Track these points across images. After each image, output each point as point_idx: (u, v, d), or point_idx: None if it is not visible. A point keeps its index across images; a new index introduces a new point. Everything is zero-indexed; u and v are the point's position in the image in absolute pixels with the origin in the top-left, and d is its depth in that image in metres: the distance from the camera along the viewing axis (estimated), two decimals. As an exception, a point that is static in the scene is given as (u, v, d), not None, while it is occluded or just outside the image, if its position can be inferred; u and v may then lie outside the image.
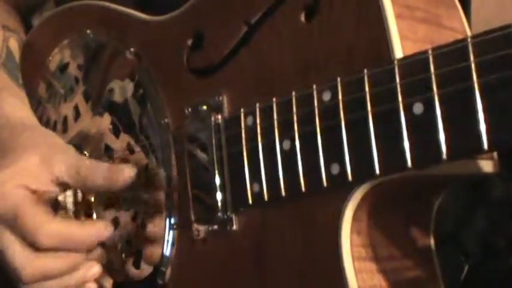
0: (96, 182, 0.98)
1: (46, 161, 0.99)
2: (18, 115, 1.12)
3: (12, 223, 0.96)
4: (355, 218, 0.81)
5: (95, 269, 0.99)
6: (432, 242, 0.88)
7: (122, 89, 1.08)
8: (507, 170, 0.85)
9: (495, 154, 0.81)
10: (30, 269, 0.96)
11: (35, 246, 0.95)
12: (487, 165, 0.81)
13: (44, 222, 0.95)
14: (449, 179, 0.83)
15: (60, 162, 0.99)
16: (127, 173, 0.98)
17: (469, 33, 0.85)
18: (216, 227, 0.94)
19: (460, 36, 0.83)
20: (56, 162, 0.99)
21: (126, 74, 1.08)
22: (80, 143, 1.13)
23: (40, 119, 1.18)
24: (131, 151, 1.06)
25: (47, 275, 0.97)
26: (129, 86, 1.07)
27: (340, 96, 0.80)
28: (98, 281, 1.02)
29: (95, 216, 1.10)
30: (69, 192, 1.09)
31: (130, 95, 1.07)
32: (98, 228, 0.97)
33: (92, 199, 1.10)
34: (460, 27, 0.85)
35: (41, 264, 0.96)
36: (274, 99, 0.86)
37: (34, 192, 0.99)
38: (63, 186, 1.01)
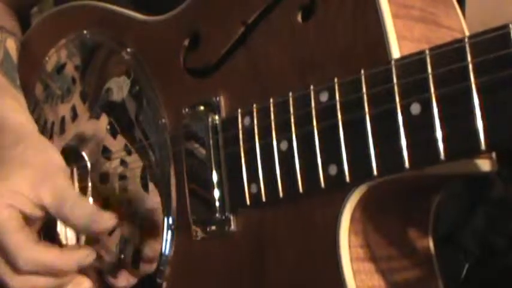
0: (77, 222, 0.98)
1: (35, 185, 0.99)
2: (15, 118, 1.11)
3: None
4: (353, 218, 0.81)
5: (84, 285, 1.00)
6: (431, 241, 0.88)
7: (119, 88, 1.08)
8: (505, 168, 0.85)
9: (493, 153, 0.81)
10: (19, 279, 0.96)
11: (14, 268, 0.96)
12: (485, 164, 0.81)
13: (23, 248, 0.96)
14: (447, 178, 0.83)
15: (47, 191, 0.99)
16: (108, 221, 0.97)
17: (466, 32, 0.85)
18: (214, 227, 0.94)
19: (457, 35, 0.83)
20: (43, 189, 0.99)
21: (123, 72, 1.08)
22: (78, 145, 1.12)
23: (37, 121, 1.17)
24: (128, 152, 1.06)
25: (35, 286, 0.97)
26: (126, 83, 1.07)
27: (337, 97, 0.79)
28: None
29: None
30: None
31: (127, 93, 1.06)
32: (79, 257, 0.97)
33: (91, 201, 1.10)
34: (458, 26, 0.85)
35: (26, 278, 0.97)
36: (271, 100, 0.86)
37: (21, 212, 0.98)
38: (48, 213, 1.01)
